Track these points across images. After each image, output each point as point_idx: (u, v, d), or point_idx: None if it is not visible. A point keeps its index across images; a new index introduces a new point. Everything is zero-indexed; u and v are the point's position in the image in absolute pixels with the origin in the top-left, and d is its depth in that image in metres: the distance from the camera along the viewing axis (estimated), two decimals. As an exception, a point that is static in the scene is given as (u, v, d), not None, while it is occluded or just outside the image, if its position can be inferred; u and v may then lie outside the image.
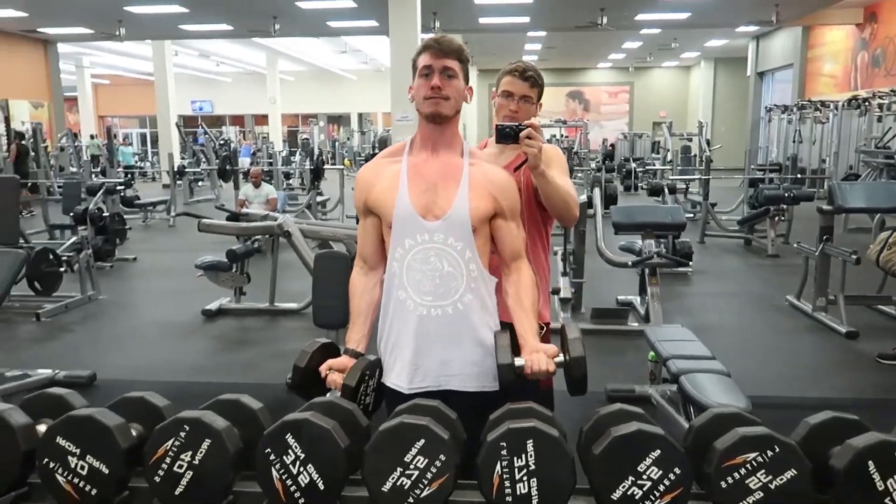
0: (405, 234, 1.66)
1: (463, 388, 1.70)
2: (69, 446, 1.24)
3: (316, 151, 20.47)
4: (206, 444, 1.23)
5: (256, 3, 11.21)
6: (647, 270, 4.80)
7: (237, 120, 27.46)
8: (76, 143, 13.97)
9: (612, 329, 4.81)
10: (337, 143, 24.02)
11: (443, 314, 1.66)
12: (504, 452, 1.21)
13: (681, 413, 3.16)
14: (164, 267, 7.42)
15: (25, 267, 5.16)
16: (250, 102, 25.15)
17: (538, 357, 1.59)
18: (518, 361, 1.58)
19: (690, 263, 6.24)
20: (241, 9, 11.70)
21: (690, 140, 15.54)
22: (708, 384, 2.80)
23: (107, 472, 1.24)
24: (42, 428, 1.37)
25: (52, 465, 1.24)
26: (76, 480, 1.24)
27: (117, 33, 12.65)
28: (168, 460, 1.23)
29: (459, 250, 1.66)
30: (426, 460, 1.21)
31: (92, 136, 21.20)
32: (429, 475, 1.21)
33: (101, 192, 7.08)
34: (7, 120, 11.63)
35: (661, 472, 1.19)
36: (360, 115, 27.25)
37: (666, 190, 9.09)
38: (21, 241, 5.41)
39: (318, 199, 10.38)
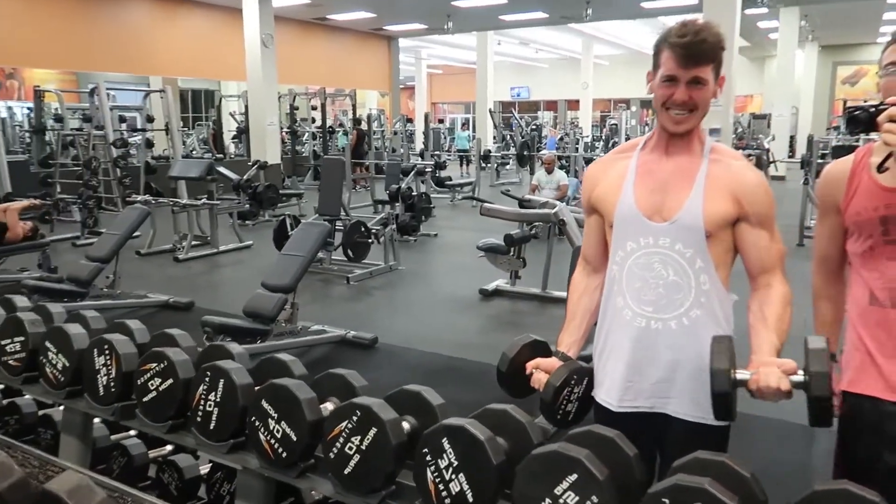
0: (627, 236, 1.52)
1: (679, 415, 1.52)
2: (270, 410, 1.41)
3: (623, 137, 20.10)
4: (372, 431, 1.29)
5: (570, -10, 11.31)
6: None
7: (551, 105, 28.21)
8: (406, 128, 15.76)
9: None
10: (647, 129, 23.27)
11: (664, 328, 1.50)
12: (666, 511, 1.04)
13: None
14: (458, 244, 8.00)
15: (342, 236, 6.04)
16: (564, 88, 25.59)
17: (768, 371, 1.32)
18: (741, 374, 1.33)
19: None
20: (556, -4, 11.93)
21: None
22: None
23: (295, 439, 1.38)
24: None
25: (257, 423, 1.42)
26: (272, 441, 1.40)
27: (446, 27, 13.88)
28: (341, 440, 1.32)
29: (689, 258, 1.47)
30: (577, 497, 1.11)
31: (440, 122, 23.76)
32: (578, 514, 1.11)
33: (413, 173, 7.87)
34: (354, 108, 13.61)
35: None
36: (676, 100, 25.85)
37: None
38: (342, 213, 6.28)
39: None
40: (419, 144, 17.23)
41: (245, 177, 8.52)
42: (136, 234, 7.56)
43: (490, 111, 15.31)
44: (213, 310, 4.85)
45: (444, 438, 1.23)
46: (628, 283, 1.53)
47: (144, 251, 7.06)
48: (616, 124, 21.40)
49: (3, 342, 1.86)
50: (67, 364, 1.76)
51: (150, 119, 10.43)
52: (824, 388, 1.25)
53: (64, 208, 8.67)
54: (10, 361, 1.85)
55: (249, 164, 9.18)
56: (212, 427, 1.50)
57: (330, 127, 13.80)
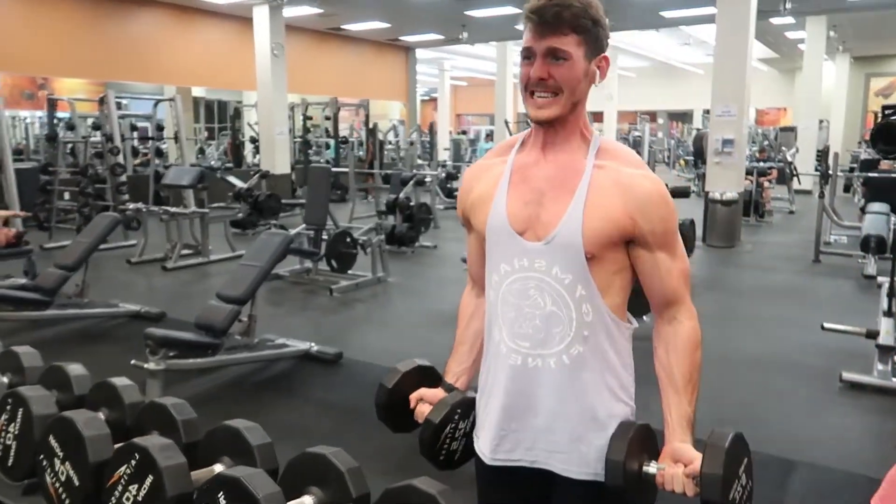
0: (501, 257, 1.29)
1: (565, 473, 1.27)
2: (57, 448, 1.20)
3: (646, 150, 19.72)
4: (149, 480, 1.08)
5: (585, -2, 11.04)
6: None
7: (576, 117, 27.84)
8: (422, 138, 15.58)
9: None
10: (673, 142, 22.79)
11: (543, 367, 1.26)
12: None
13: None
14: (456, 256, 7.74)
15: (326, 246, 5.86)
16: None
17: (672, 475, 1.16)
18: (648, 468, 1.18)
19: None
20: (571, 5, 11.67)
21: None
22: None
23: (77, 483, 1.17)
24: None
25: (44, 462, 1.22)
26: (56, 485, 1.20)
27: (460, 37, 13.72)
28: (120, 488, 1.11)
29: (568, 285, 1.23)
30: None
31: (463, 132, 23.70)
32: None
33: (411, 183, 7.69)
34: (367, 118, 13.50)
35: None
36: (704, 112, 25.37)
37: None
38: (329, 223, 6.11)
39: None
40: (441, 155, 17.08)
41: (246, 185, 8.43)
42: (132, 242, 7.55)
43: (506, 122, 15.06)
44: (185, 321, 4.71)
45: (220, 492, 1.01)
46: (503, 312, 1.30)
47: (135, 260, 6.98)
48: (640, 136, 21.08)
49: None
50: None
51: (159, 128, 10.44)
52: (714, 494, 1.09)
53: (65, 216, 8.68)
54: None
55: (251, 172, 9.10)
56: (10, 463, 1.30)
57: (343, 137, 13.71)
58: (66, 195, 9.00)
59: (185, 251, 7.04)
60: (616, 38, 17.36)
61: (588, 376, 1.25)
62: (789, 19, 13.17)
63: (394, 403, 1.48)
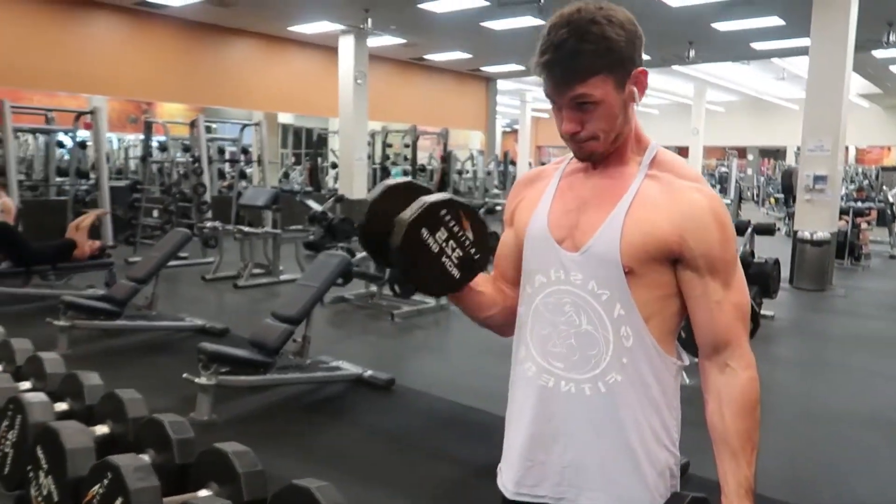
0: (537, 266, 1.18)
1: None
2: (42, 460, 1.16)
3: (732, 186, 18.91)
4: (118, 502, 1.01)
5: (670, 29, 10.78)
6: None
7: (660, 151, 27.20)
8: (499, 168, 15.58)
9: None
10: (763, 179, 21.79)
11: (577, 393, 1.13)
12: None
13: None
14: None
15: (389, 271, 5.83)
16: (673, 133, 24.56)
17: None
18: None
19: None
20: (656, 36, 11.42)
21: None
22: None
23: (56, 499, 1.12)
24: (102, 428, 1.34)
25: (31, 474, 1.18)
26: (39, 499, 1.15)
27: (541, 68, 13.69)
28: (92, 508, 1.04)
29: (604, 302, 1.11)
30: None
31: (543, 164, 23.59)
32: None
33: (481, 211, 7.60)
34: (445, 146, 13.59)
35: None
36: (798, 149, 24.24)
37: None
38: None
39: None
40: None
41: (321, 208, 8.56)
42: (210, 259, 7.79)
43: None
44: (246, 338, 4.77)
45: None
46: (534, 328, 1.18)
47: (209, 276, 7.18)
48: (727, 172, 20.26)
49: None
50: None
51: (244, 151, 10.86)
52: None
53: (152, 232, 9.09)
54: None
55: (327, 196, 9.27)
56: (6, 472, 1.27)
57: (420, 165, 13.84)
58: (155, 212, 9.46)
59: (257, 270, 7.20)
60: (703, 70, 16.87)
61: (627, 410, 1.11)
62: (894, 52, 12.41)
63: (379, 230, 1.19)
